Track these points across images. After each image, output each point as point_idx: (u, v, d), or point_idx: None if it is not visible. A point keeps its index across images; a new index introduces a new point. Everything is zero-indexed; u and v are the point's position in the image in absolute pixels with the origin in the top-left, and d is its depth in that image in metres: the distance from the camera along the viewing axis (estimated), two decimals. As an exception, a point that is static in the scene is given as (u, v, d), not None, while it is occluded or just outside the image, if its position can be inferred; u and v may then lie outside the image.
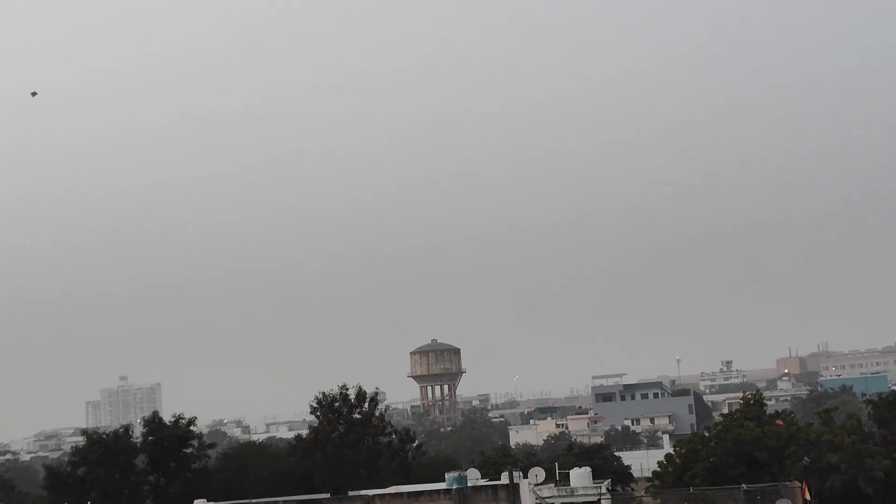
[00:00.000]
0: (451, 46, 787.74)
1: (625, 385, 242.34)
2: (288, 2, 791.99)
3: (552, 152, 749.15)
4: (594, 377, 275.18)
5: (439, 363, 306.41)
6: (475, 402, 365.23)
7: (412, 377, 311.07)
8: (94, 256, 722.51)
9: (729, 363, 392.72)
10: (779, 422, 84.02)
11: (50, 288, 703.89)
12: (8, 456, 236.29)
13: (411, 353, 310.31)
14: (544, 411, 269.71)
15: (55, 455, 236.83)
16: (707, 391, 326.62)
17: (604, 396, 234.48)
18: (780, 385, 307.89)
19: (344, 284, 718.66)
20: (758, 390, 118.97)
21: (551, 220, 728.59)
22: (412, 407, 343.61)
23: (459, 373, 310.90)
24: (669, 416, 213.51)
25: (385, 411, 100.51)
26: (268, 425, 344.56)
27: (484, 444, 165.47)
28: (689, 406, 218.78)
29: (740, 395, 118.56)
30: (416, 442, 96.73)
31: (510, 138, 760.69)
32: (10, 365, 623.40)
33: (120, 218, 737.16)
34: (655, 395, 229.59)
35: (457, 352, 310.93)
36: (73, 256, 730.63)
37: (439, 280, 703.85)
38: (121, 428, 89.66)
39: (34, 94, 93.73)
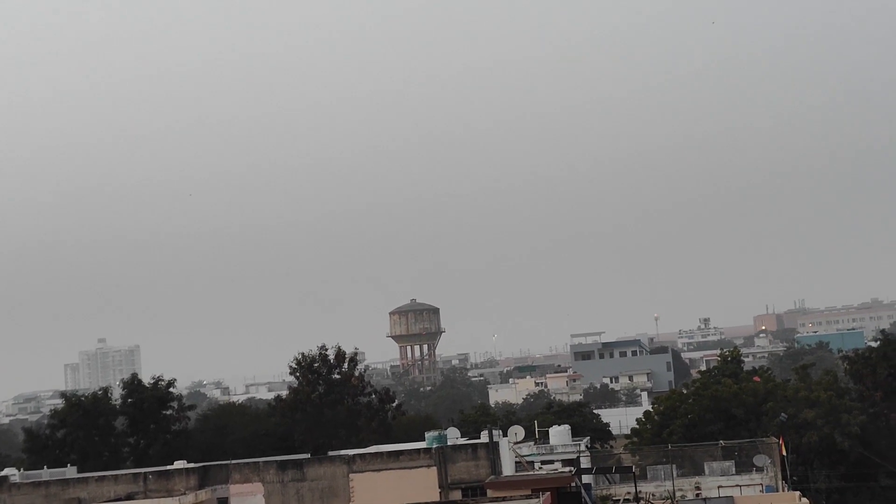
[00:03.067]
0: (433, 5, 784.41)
1: (603, 343, 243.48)
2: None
3: (531, 113, 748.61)
4: (573, 335, 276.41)
5: (418, 323, 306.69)
6: (454, 362, 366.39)
7: (391, 337, 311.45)
8: (72, 217, 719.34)
9: (706, 321, 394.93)
10: (756, 378, 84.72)
11: (27, 248, 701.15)
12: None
13: (390, 314, 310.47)
14: (523, 370, 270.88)
15: (34, 418, 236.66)
16: (685, 349, 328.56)
17: (582, 355, 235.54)
18: (758, 342, 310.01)
19: (323, 244, 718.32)
20: (735, 347, 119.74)
21: (528, 180, 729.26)
22: (392, 367, 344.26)
23: (439, 332, 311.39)
24: (648, 374, 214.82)
25: (364, 371, 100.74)
26: (247, 386, 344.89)
27: (463, 403, 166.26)
28: (668, 363, 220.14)
29: (718, 352, 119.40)
30: (396, 402, 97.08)
31: (493, 96, 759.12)
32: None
33: (99, 177, 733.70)
34: (634, 353, 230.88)
35: (436, 311, 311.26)
36: (51, 217, 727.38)
37: (418, 240, 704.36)
38: (100, 390, 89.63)
39: None
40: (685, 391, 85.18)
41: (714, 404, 76.94)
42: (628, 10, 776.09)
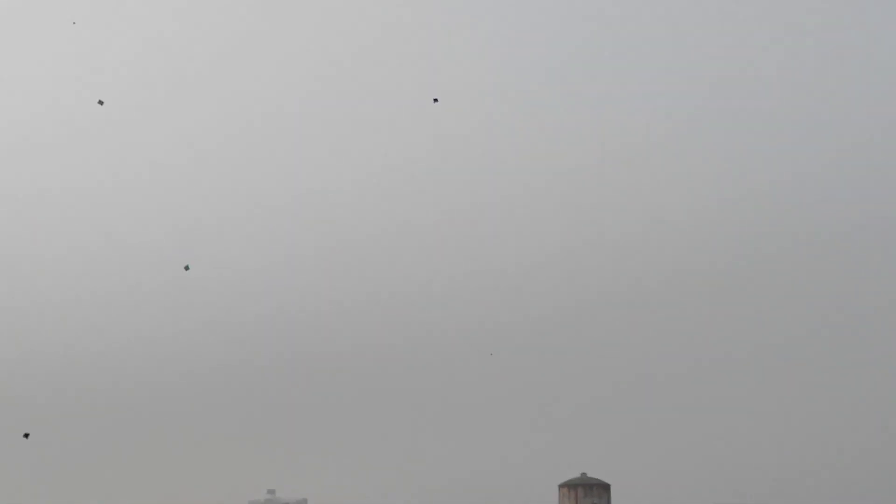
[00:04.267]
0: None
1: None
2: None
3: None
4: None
5: (588, 498, 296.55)
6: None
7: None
8: (243, 368, 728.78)
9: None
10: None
11: (198, 393, 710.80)
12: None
13: (559, 486, 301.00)
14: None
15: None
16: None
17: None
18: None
19: (494, 410, 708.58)
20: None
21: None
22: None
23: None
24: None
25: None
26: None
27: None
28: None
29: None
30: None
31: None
32: (158, 471, 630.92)
33: (270, 334, 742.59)
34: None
35: (607, 488, 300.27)
36: (224, 363, 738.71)
37: (588, 409, 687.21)
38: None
39: (101, 102, 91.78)
40: None
41: None
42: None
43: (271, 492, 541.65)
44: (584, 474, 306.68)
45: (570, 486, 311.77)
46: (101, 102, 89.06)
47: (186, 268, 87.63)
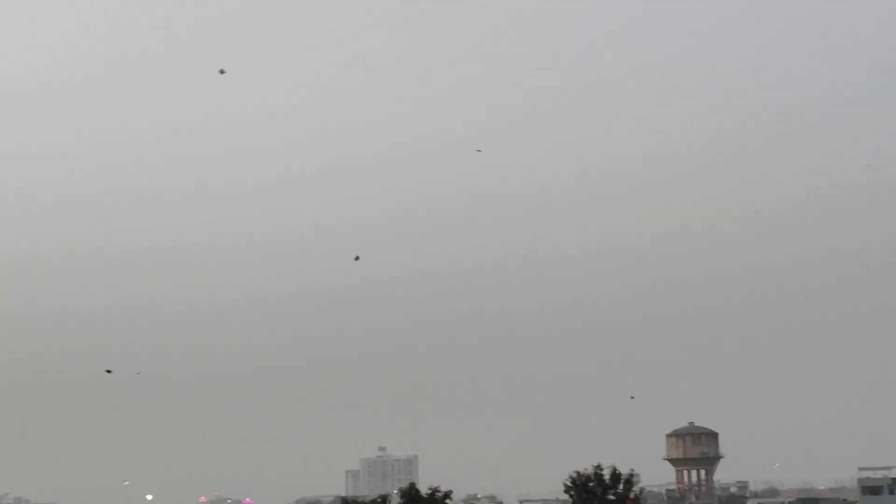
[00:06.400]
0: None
1: (893, 478, 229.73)
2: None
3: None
4: (860, 469, 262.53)
5: (696, 447, 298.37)
6: (733, 489, 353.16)
7: (667, 460, 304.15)
8: (356, 328, 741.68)
9: None
10: None
11: (312, 356, 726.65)
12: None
13: (667, 436, 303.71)
14: (806, 502, 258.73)
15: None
16: None
17: (871, 489, 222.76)
18: None
19: (602, 361, 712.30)
20: None
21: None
22: (667, 490, 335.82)
23: (717, 458, 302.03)
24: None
25: (640, 493, 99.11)
26: (521, 502, 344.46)
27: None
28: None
29: None
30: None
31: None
32: (280, 430, 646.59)
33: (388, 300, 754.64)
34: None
35: (714, 436, 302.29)
36: (338, 328, 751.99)
37: (696, 359, 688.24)
38: (379, 498, 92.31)
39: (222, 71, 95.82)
40: None
41: None
42: None
43: (382, 449, 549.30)
44: (691, 423, 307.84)
45: (677, 436, 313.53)
46: (221, 72, 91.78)
47: (356, 258, 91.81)
